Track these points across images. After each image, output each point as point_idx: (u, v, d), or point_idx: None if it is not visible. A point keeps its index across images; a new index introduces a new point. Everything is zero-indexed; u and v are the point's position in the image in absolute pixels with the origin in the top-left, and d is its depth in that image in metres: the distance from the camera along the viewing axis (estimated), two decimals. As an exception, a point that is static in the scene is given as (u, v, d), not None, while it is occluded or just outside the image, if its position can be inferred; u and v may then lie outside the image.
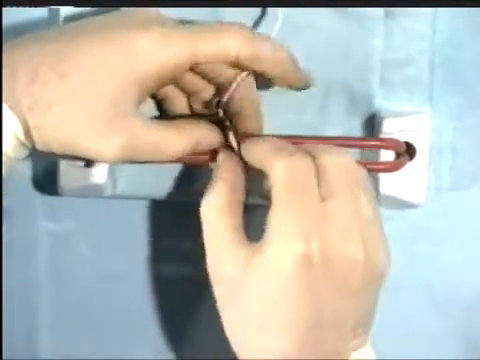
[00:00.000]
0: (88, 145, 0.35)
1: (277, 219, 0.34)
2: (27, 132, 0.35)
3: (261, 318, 0.34)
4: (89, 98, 0.34)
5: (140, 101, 0.36)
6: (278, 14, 0.42)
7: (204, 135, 0.38)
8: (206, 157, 0.41)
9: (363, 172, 0.36)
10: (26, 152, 0.37)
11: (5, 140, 0.34)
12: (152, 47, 0.35)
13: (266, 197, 0.36)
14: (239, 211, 0.37)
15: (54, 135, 0.35)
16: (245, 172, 0.38)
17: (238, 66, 0.37)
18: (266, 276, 0.34)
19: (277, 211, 0.34)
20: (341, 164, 0.35)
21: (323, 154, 0.36)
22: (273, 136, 0.42)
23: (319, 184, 0.35)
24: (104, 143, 0.35)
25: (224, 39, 0.36)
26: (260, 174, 0.37)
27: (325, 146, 0.37)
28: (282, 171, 0.34)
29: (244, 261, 0.35)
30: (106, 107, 0.35)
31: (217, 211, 0.37)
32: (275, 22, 0.43)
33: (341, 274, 0.34)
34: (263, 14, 0.43)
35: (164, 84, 0.37)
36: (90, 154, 0.36)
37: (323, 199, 0.34)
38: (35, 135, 0.35)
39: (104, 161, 0.36)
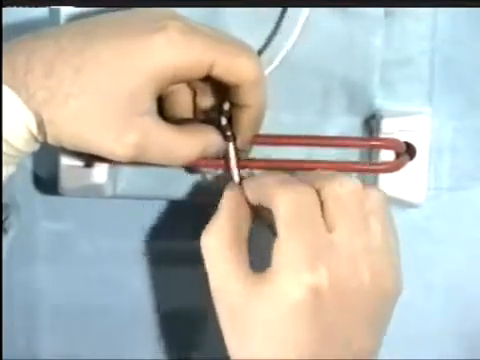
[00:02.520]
0: (101, 141, 0.35)
1: (284, 251, 0.34)
2: (40, 126, 0.34)
3: (266, 346, 0.35)
4: (106, 93, 0.34)
5: (153, 99, 0.36)
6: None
7: (213, 141, 0.39)
8: (209, 162, 0.41)
9: (375, 197, 0.37)
10: (36, 147, 0.36)
11: (17, 134, 0.34)
12: (171, 46, 0.34)
13: (270, 228, 0.37)
14: (243, 245, 0.37)
15: (68, 129, 0.35)
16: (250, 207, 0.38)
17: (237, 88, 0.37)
18: (274, 306, 0.34)
19: (283, 243, 0.34)
20: (345, 194, 0.35)
21: (326, 185, 0.36)
22: (274, 135, 0.42)
23: (324, 215, 0.35)
24: (117, 140, 0.35)
25: (243, 59, 0.36)
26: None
27: (329, 176, 0.37)
28: (286, 204, 0.35)
29: (250, 291, 0.35)
30: (122, 103, 0.34)
31: (220, 245, 0.37)
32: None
33: (349, 302, 0.34)
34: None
35: (177, 83, 0.37)
36: (102, 150, 0.35)
37: (330, 230, 0.35)
38: (48, 129, 0.34)
39: (114, 158, 0.36)
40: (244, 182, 0.39)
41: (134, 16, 0.36)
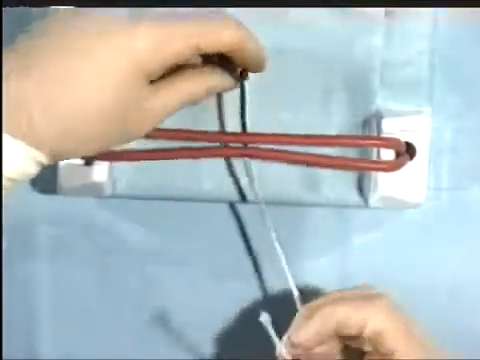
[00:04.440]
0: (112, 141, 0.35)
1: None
2: (52, 157, 0.33)
3: None
4: (92, 91, 0.33)
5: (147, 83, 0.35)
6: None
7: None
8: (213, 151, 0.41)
9: None
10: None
11: (29, 169, 0.33)
12: (152, 46, 0.33)
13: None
14: None
15: (72, 146, 0.34)
16: None
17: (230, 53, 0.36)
18: None
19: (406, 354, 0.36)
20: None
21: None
22: (274, 134, 0.42)
23: None
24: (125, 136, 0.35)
25: (223, 33, 0.35)
26: None
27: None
28: (394, 327, 0.36)
29: None
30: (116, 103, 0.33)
31: None
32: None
33: None
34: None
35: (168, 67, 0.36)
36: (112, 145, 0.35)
37: None
38: (58, 155, 0.33)
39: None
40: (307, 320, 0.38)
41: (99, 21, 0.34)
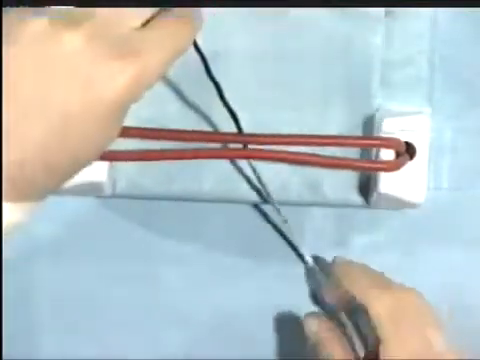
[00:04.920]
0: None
1: (392, 352, 0.37)
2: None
3: None
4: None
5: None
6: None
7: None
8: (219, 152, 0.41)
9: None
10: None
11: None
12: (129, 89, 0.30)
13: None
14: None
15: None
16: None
17: None
18: None
19: (389, 345, 0.38)
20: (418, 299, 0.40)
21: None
22: (274, 135, 0.42)
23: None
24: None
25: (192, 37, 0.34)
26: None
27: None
28: (387, 305, 0.39)
29: None
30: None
31: None
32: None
33: None
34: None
35: None
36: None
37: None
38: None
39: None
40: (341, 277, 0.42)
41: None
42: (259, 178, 0.44)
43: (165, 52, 0.31)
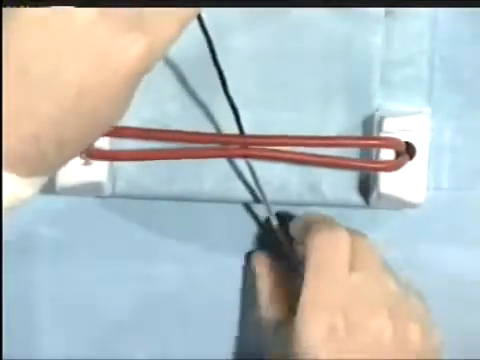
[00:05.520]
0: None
1: (308, 291, 0.37)
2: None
3: None
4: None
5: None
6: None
7: None
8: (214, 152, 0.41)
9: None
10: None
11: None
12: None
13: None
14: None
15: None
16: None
17: None
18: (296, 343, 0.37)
19: (308, 283, 0.37)
20: (371, 245, 0.40)
21: (355, 235, 0.39)
22: (274, 136, 0.42)
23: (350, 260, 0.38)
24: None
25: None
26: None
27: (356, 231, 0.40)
28: (317, 243, 0.38)
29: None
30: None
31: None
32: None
33: (368, 347, 0.36)
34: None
35: None
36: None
37: (351, 273, 0.38)
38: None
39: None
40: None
41: None
42: (255, 179, 0.43)
43: (174, 21, 0.31)
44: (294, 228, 0.43)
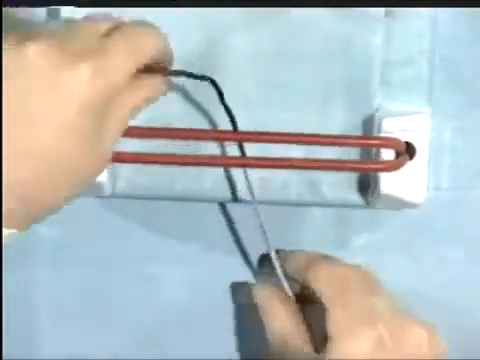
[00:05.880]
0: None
1: (337, 310, 0.37)
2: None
3: None
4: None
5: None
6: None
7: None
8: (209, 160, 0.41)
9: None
10: None
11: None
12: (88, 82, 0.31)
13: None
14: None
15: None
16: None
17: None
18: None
19: (335, 311, 0.37)
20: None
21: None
22: (274, 133, 0.42)
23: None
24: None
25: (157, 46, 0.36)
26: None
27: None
28: (327, 278, 0.39)
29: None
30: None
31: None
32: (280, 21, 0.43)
33: (412, 356, 0.37)
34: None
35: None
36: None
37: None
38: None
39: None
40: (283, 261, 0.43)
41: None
42: (247, 180, 0.43)
43: (126, 53, 0.32)
44: (293, 267, 0.43)
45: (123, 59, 0.32)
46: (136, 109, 0.35)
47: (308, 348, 0.39)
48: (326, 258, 0.41)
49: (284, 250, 0.44)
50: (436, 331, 0.39)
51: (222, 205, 0.46)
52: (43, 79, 0.30)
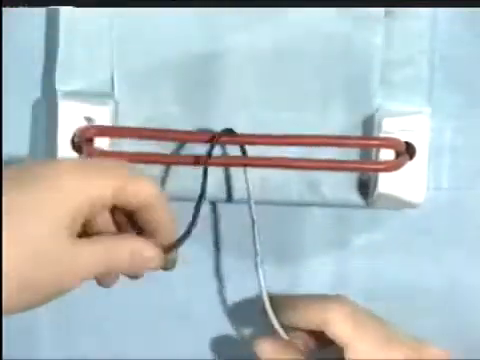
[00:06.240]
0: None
1: (362, 349, 0.38)
2: None
3: None
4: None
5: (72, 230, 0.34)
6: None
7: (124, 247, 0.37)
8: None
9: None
10: None
11: None
12: (75, 182, 0.34)
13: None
14: None
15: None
16: None
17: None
18: None
19: (356, 345, 0.38)
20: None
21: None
22: (274, 135, 0.42)
23: None
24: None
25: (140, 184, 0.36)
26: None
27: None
28: (341, 317, 0.39)
29: None
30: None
31: None
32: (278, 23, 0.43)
33: None
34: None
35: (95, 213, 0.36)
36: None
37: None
38: None
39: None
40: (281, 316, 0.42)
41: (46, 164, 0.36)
42: (246, 180, 0.43)
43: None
44: (289, 316, 0.42)
45: (108, 175, 0.35)
46: (115, 253, 0.36)
47: None
48: (324, 300, 0.41)
49: (277, 296, 0.43)
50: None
51: (222, 205, 0.46)
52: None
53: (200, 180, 0.44)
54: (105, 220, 0.38)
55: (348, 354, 0.38)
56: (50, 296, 0.35)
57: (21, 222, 0.33)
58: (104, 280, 0.38)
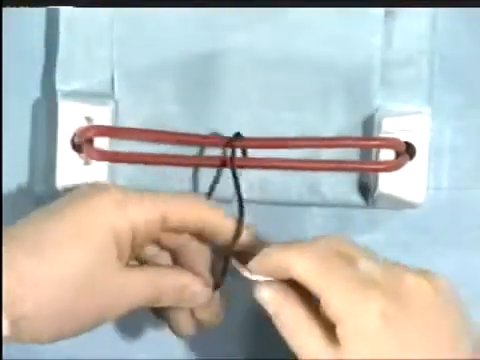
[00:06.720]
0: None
1: (333, 302, 0.34)
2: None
3: None
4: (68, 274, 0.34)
5: (120, 258, 0.36)
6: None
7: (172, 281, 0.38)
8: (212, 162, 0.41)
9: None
10: None
11: None
12: (114, 207, 0.35)
13: None
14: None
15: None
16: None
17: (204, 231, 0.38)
18: (358, 343, 0.34)
19: (328, 298, 0.34)
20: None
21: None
22: (274, 138, 0.42)
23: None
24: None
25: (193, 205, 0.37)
26: None
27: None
28: (307, 265, 0.35)
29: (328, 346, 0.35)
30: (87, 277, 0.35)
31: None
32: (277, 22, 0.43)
33: (418, 305, 0.35)
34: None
35: (142, 242, 0.37)
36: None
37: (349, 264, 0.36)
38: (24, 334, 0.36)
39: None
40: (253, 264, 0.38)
41: (79, 193, 0.37)
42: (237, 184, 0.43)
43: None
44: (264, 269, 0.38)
45: (159, 198, 0.37)
46: (161, 281, 0.37)
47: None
48: (289, 247, 0.37)
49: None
50: (428, 271, 0.38)
51: (222, 205, 0.46)
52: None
53: (200, 180, 0.44)
54: (153, 254, 0.39)
55: (324, 307, 0.35)
56: (89, 327, 0.37)
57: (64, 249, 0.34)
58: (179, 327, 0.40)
